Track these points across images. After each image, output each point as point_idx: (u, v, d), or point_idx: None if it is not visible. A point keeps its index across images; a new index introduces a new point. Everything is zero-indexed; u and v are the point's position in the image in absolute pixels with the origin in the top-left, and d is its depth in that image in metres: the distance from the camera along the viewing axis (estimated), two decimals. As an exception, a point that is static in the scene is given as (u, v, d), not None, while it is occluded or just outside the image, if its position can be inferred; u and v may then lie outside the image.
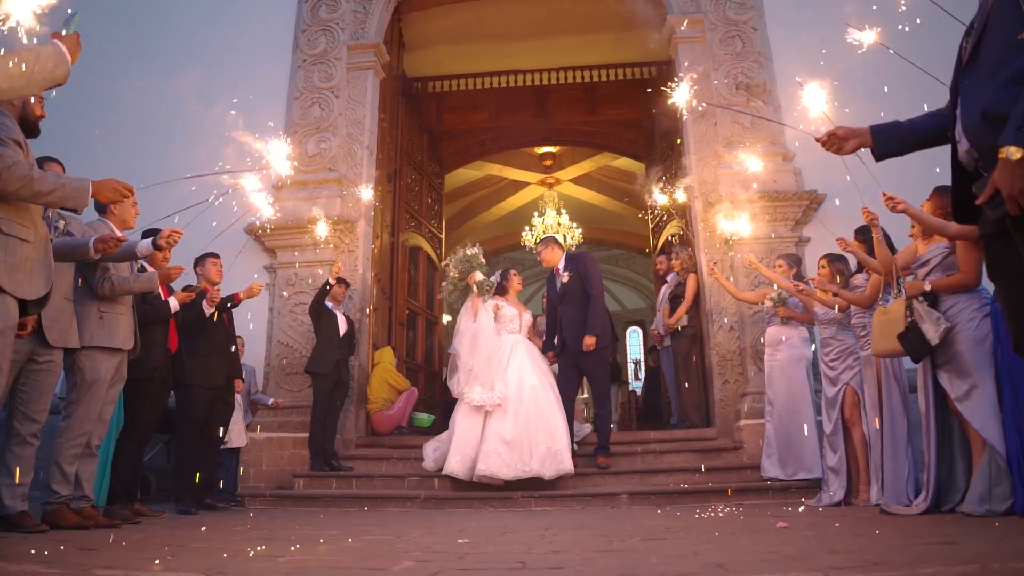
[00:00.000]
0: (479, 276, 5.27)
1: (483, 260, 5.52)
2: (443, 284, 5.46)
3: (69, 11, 2.28)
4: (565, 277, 5.57)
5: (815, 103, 4.01)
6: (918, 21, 4.16)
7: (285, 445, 5.91)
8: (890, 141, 2.17)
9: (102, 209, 4.01)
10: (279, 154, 4.14)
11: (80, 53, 2.26)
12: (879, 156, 2.19)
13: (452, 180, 10.68)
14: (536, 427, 4.96)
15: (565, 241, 13.15)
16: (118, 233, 4.11)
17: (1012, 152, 1.53)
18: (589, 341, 5.28)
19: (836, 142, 2.23)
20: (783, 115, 6.24)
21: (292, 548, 2.77)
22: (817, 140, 2.38)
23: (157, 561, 2.39)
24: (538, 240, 6.06)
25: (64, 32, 2.25)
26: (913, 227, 3.76)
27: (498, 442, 4.89)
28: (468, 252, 5.49)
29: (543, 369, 5.31)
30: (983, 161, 1.82)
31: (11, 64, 1.94)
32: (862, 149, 2.23)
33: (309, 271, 6.38)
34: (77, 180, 2.71)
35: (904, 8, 3.70)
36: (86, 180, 2.74)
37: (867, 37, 3.69)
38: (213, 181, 5.15)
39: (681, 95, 4.85)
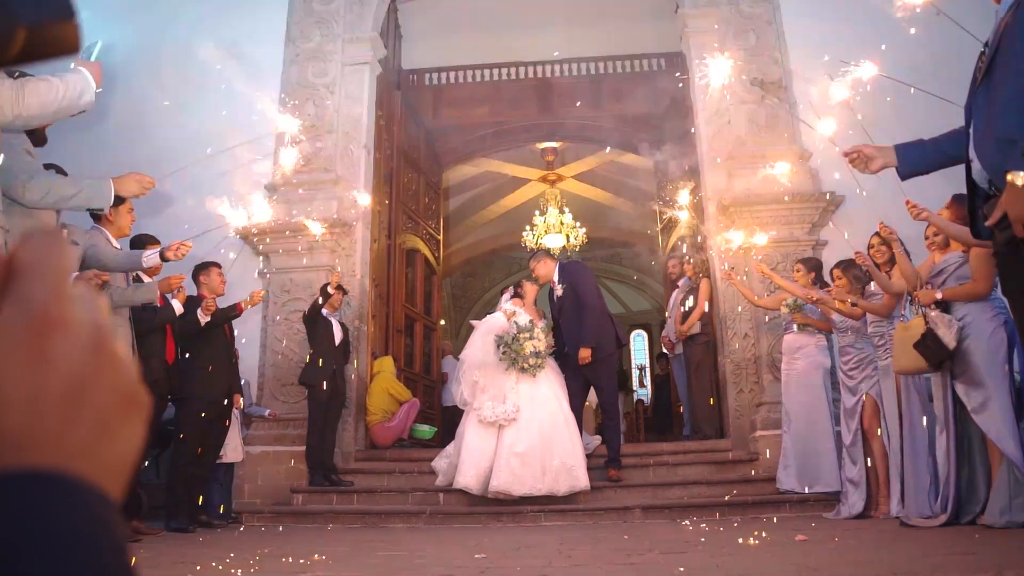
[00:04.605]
0: (529, 349, 5.37)
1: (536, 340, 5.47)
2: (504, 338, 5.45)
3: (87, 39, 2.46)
4: (559, 290, 5.77)
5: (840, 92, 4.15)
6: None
7: (282, 459, 6.07)
8: (915, 161, 2.37)
9: (97, 217, 4.19)
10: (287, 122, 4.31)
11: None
12: (904, 176, 2.39)
13: (448, 176, 10.86)
14: (550, 440, 5.14)
15: (568, 241, 13.36)
16: (114, 242, 4.31)
17: (1019, 177, 1.73)
18: (583, 354, 5.46)
19: (862, 160, 2.43)
20: (798, 112, 6.44)
21: (309, 565, 2.95)
22: (844, 154, 2.58)
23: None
24: (529, 257, 6.22)
25: (87, 59, 2.44)
26: (928, 238, 3.98)
27: (510, 456, 5.07)
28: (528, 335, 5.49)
29: (557, 381, 5.49)
30: (995, 181, 2.02)
31: (45, 92, 2.12)
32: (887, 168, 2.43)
33: (304, 276, 6.55)
34: (97, 179, 2.89)
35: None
36: (106, 178, 2.92)
37: None
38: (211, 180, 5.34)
39: (720, 70, 4.92)
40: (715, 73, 4.75)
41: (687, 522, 4.57)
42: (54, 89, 2.14)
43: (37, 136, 3.10)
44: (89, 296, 0.36)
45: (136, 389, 0.36)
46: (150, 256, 3.81)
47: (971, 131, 2.12)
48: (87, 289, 0.36)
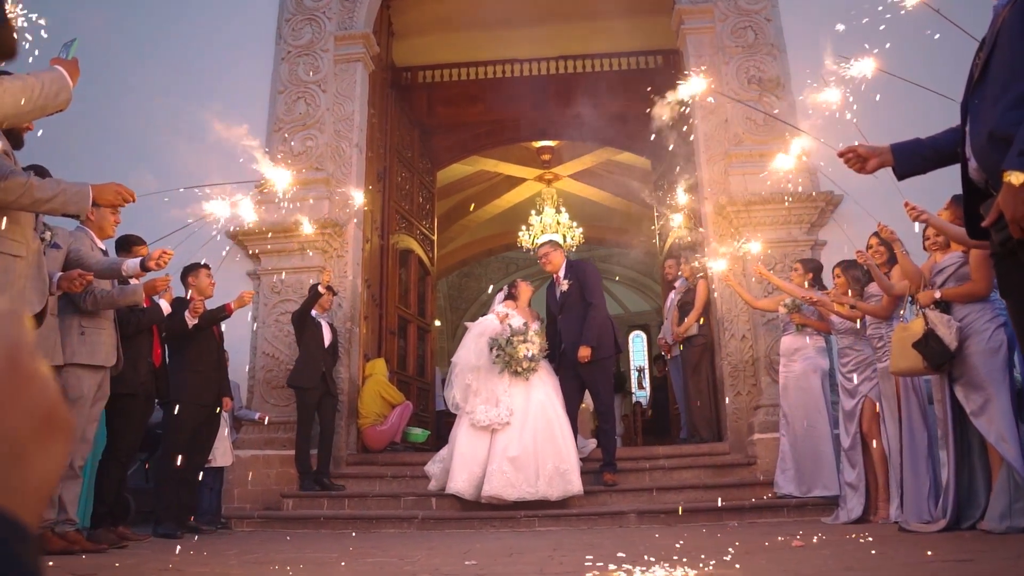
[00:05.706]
0: (523, 352, 5.35)
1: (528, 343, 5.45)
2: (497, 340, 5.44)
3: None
4: (564, 285, 5.75)
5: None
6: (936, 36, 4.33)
7: (272, 463, 6.05)
8: (912, 160, 2.34)
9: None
10: (277, 175, 4.33)
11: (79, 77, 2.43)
12: (901, 175, 2.37)
13: (442, 175, 10.84)
14: (543, 444, 5.12)
15: (565, 241, 13.35)
16: (99, 243, 4.28)
17: (1015, 177, 1.71)
18: (583, 353, 5.45)
19: (857, 160, 2.40)
20: (797, 110, 6.44)
21: (297, 571, 2.93)
22: (839, 155, 2.55)
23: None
24: (540, 243, 6.19)
25: (63, 57, 2.42)
26: (928, 239, 3.97)
27: (503, 460, 5.05)
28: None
29: (551, 384, 5.47)
30: (991, 181, 2.00)
31: (21, 91, 2.09)
32: (883, 168, 2.40)
33: (295, 278, 6.53)
34: (76, 184, 2.85)
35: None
36: (86, 184, 2.89)
37: None
38: (197, 190, 5.31)
39: (694, 87, 4.97)
40: (689, 90, 4.78)
41: (682, 527, 4.55)
42: (29, 88, 2.12)
43: (15, 137, 3.07)
44: (6, 312, 0.34)
45: (56, 410, 0.34)
46: (130, 265, 3.78)
47: (967, 129, 2.11)
48: (3, 304, 0.34)
